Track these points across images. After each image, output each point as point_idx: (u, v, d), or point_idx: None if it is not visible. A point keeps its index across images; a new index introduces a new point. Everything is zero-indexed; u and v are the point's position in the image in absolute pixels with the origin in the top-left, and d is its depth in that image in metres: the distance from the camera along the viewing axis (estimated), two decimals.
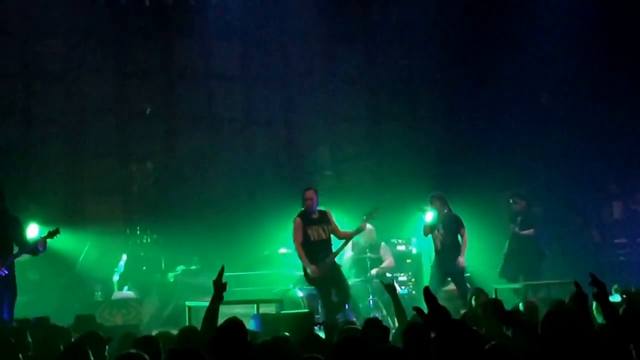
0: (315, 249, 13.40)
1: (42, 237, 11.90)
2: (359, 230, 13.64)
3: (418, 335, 6.97)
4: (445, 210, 14.71)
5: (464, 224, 14.62)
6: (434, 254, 14.86)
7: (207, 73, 18.25)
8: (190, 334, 8.42)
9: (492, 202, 17.24)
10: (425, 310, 5.39)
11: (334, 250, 13.50)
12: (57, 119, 17.30)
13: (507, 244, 15.74)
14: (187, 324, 12.03)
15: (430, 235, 14.79)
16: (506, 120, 17.72)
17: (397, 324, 10.06)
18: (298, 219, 13.46)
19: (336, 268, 13.50)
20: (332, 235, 13.53)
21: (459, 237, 14.62)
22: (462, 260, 14.45)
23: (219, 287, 8.25)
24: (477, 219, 16.16)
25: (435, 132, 18.43)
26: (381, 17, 18.55)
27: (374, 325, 8.08)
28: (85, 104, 17.45)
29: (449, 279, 14.74)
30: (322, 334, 9.64)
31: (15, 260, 11.93)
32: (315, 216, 13.50)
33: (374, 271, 15.26)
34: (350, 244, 15.68)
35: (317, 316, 13.87)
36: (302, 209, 13.49)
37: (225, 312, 11.97)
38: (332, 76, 18.83)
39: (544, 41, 17.40)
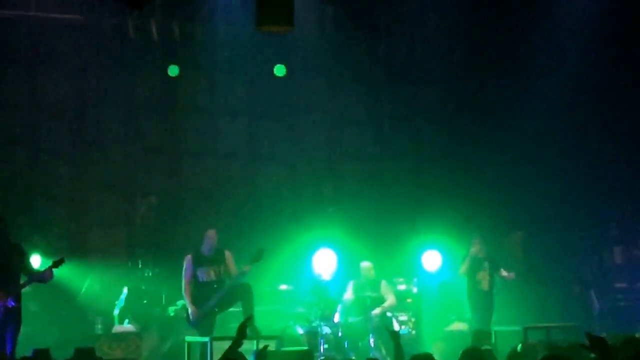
0: (202, 290, 13.30)
1: (48, 267, 11.95)
2: (242, 274, 13.27)
3: None
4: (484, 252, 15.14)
5: None
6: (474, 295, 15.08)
7: (213, 108, 18.34)
8: None
9: (494, 242, 17.25)
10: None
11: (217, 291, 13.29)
12: (63, 151, 17.38)
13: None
14: None
15: (466, 275, 15.06)
16: (510, 161, 17.75)
17: None
18: (189, 257, 13.44)
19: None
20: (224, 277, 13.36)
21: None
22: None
23: (240, 333, 8.17)
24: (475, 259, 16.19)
25: (438, 171, 18.46)
26: (387, 55, 18.62)
27: None
28: (91, 136, 17.54)
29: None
30: None
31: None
32: (209, 256, 13.44)
33: (376, 311, 15.22)
34: (350, 284, 15.69)
35: (317, 354, 13.89)
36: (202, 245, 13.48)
37: (223, 348, 12.04)
38: (336, 113, 18.90)
39: (551, 79, 17.45)
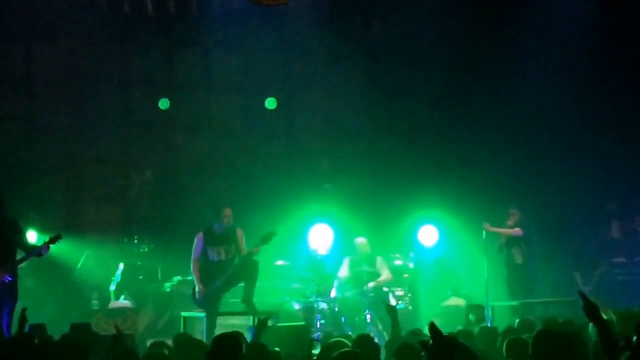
0: (211, 268, 13.05)
1: (45, 242, 11.93)
2: (251, 254, 12.96)
3: (409, 356, 7.01)
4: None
5: None
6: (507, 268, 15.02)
7: (208, 83, 18.29)
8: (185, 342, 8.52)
9: (488, 218, 17.22)
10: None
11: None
12: (58, 126, 17.34)
13: None
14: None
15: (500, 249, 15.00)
16: (506, 136, 17.73)
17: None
18: (201, 234, 13.15)
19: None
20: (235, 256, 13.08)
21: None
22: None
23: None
24: (473, 234, 16.18)
25: (434, 147, 18.43)
26: (382, 31, 18.58)
27: (365, 343, 8.08)
28: (86, 111, 17.50)
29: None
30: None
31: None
32: (220, 234, 13.16)
33: (371, 284, 15.26)
34: (346, 260, 15.71)
35: (313, 329, 13.90)
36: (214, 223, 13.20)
37: (221, 323, 12.09)
38: (332, 89, 18.85)
39: (544, 57, 17.43)
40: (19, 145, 17.10)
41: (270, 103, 17.88)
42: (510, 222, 14.97)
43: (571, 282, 16.20)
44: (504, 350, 7.75)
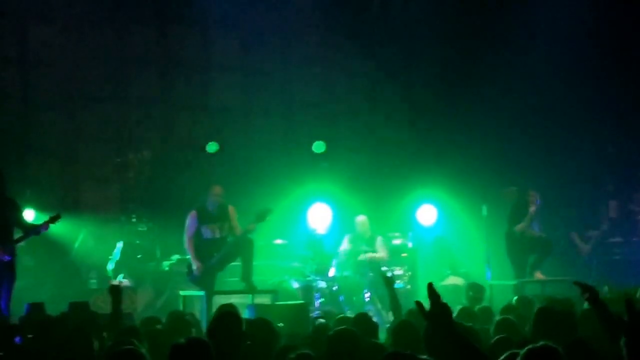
0: (205, 246, 13.10)
1: (44, 222, 11.93)
2: (246, 232, 13.06)
3: (408, 334, 7.03)
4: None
5: None
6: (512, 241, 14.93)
7: (206, 62, 18.24)
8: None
9: (487, 199, 17.22)
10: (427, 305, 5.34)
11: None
12: (54, 105, 17.25)
13: None
14: None
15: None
16: (504, 117, 17.70)
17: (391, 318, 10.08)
18: (194, 213, 13.19)
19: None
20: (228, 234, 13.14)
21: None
22: None
23: None
24: (472, 214, 16.19)
25: (433, 125, 18.41)
26: (381, 9, 18.53)
27: (363, 321, 8.11)
28: (83, 90, 17.42)
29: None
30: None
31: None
32: (213, 212, 13.20)
33: (367, 255, 15.26)
34: (346, 238, 15.71)
35: (312, 308, 13.92)
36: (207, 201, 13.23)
37: (220, 302, 12.09)
38: (330, 68, 18.82)
39: (543, 37, 17.39)
40: (14, 124, 17.02)
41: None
42: (532, 208, 14.94)
43: (566, 262, 16.21)
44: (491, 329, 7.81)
